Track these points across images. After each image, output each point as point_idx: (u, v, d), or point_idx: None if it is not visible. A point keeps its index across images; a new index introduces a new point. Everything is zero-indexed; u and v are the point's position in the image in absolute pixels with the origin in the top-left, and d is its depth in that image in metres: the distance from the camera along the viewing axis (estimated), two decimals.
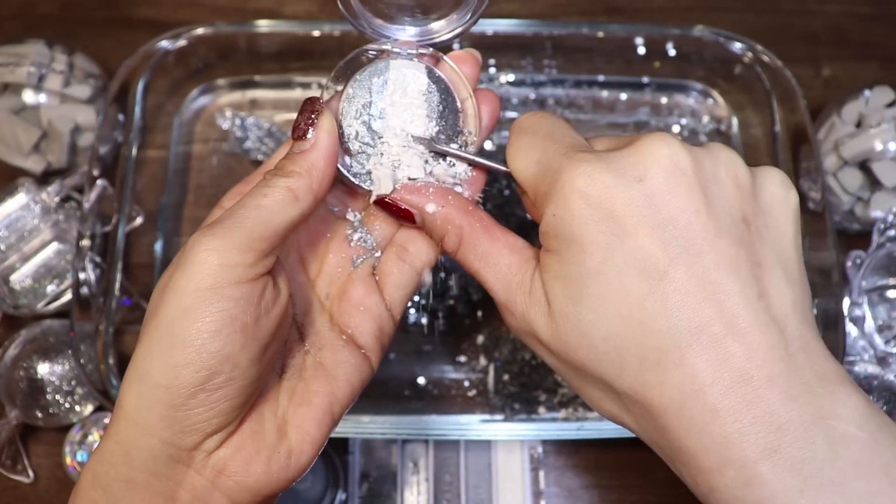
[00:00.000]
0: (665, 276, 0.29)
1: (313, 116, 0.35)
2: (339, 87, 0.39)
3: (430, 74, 0.39)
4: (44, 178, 0.63)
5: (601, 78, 0.69)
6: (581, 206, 0.30)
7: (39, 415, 0.57)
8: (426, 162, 0.39)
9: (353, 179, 0.39)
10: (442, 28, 0.39)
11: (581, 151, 0.32)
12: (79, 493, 0.32)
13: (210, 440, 0.32)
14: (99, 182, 0.58)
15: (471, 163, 0.39)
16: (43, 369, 0.58)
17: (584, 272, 0.30)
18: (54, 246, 0.61)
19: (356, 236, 0.40)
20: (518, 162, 0.35)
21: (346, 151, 0.39)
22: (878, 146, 0.60)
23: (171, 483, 0.31)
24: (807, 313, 0.31)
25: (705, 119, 0.68)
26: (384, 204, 0.38)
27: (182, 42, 0.63)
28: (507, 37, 0.65)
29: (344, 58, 0.39)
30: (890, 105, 0.62)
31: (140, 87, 0.62)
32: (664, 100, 0.69)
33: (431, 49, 0.40)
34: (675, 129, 0.68)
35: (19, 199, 0.60)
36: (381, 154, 0.38)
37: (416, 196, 0.37)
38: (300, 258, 0.39)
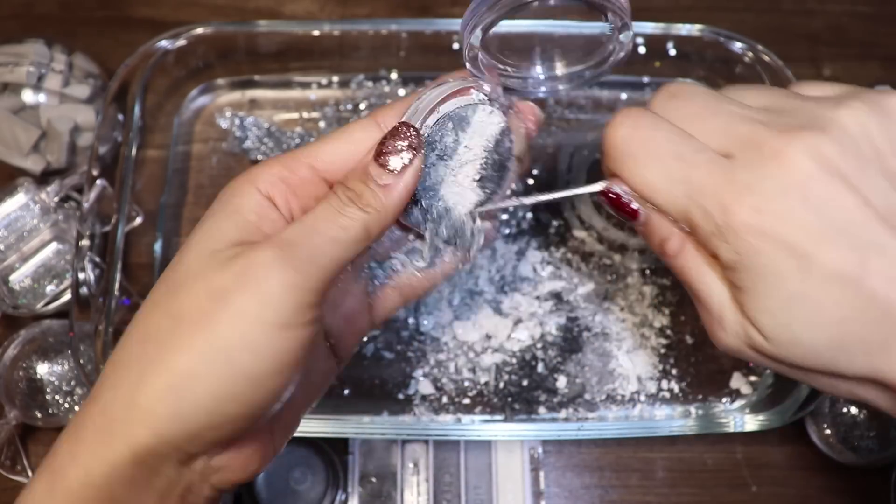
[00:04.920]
0: (864, 276, 0.30)
1: (408, 154, 0.33)
2: (417, 113, 0.37)
3: (504, 129, 0.38)
4: (43, 178, 0.63)
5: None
6: (762, 241, 0.30)
7: (39, 415, 0.57)
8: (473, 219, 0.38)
9: (410, 223, 0.38)
10: (560, 77, 0.38)
11: (731, 179, 0.31)
12: (69, 494, 0.30)
13: (218, 447, 0.32)
14: (98, 182, 0.58)
15: (555, 200, 0.38)
16: (42, 369, 0.57)
17: (788, 297, 0.31)
18: (53, 246, 0.60)
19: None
20: (659, 198, 0.33)
21: None
22: None
23: (170, 481, 0.31)
24: None
25: None
26: (613, 199, 0.35)
27: (181, 42, 0.63)
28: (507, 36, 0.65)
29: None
30: None
31: (139, 86, 0.62)
32: None
33: (515, 98, 0.38)
34: None
35: (18, 199, 0.60)
36: (437, 193, 0.37)
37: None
38: None
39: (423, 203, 0.37)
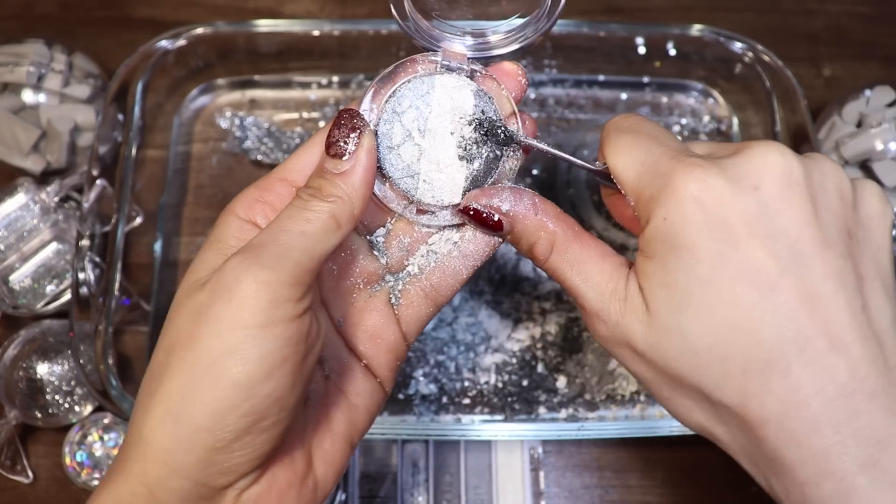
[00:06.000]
0: (775, 287, 0.29)
1: (353, 135, 0.33)
2: (372, 98, 0.36)
3: (478, 94, 0.36)
4: (43, 178, 0.63)
5: (601, 78, 0.69)
6: (694, 212, 0.30)
7: (39, 415, 0.57)
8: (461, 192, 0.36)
9: (386, 202, 0.36)
10: (500, 41, 0.37)
11: (692, 156, 0.31)
12: None
13: (245, 479, 0.31)
14: (98, 182, 0.58)
15: (559, 159, 0.37)
16: (42, 369, 0.57)
17: (693, 280, 0.30)
18: (53, 246, 0.61)
19: (382, 260, 0.38)
20: (619, 160, 0.33)
21: (378, 170, 0.36)
22: (879, 146, 0.60)
23: None
24: None
25: (706, 119, 0.68)
26: (472, 213, 0.36)
27: (181, 42, 0.63)
28: None
29: (383, 67, 0.37)
30: (890, 105, 0.62)
31: (139, 86, 0.62)
32: (665, 99, 0.69)
33: (481, 65, 0.37)
34: (676, 128, 0.68)
35: (18, 199, 0.60)
36: (418, 178, 0.36)
37: (498, 202, 0.35)
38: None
39: (401, 186, 0.36)
